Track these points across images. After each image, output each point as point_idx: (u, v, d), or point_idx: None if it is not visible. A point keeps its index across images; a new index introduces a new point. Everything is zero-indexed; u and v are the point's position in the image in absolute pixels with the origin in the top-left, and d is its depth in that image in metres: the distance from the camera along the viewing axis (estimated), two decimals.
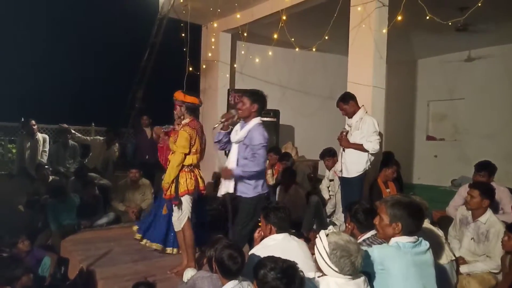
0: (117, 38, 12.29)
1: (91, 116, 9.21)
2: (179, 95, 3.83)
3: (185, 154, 3.77)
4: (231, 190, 3.64)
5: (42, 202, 5.76)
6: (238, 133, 3.68)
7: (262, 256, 2.41)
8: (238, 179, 3.61)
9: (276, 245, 2.88)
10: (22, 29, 11.80)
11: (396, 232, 2.46)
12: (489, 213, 3.64)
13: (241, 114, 3.66)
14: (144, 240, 4.57)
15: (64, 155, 7.32)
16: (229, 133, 3.79)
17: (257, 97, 3.67)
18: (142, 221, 4.95)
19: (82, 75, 12.86)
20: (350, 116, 4.60)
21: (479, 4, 3.95)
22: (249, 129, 3.60)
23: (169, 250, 4.51)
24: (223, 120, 3.75)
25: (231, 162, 3.69)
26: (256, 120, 3.65)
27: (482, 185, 3.82)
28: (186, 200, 3.83)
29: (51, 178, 6.45)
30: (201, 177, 3.96)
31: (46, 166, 6.70)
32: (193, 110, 3.93)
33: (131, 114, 8.10)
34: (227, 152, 3.96)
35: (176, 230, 4.02)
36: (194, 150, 3.82)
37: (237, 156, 3.67)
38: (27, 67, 12.08)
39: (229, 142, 3.81)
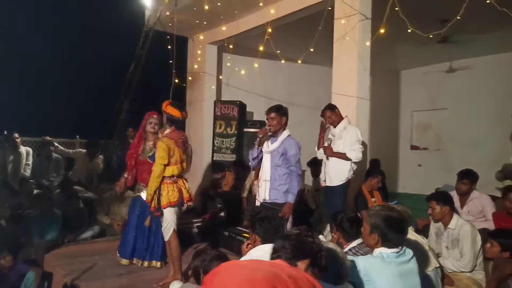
0: (103, 49, 12.23)
1: (75, 129, 9.14)
2: (163, 104, 3.91)
3: (165, 165, 3.78)
4: (268, 197, 3.98)
5: (26, 215, 5.66)
6: (270, 145, 4.03)
7: None
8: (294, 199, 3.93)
9: (263, 256, 2.86)
10: (3, 41, 11.66)
11: (374, 243, 2.49)
12: (456, 217, 3.72)
13: (274, 129, 3.99)
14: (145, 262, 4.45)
15: (47, 168, 7.22)
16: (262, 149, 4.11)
17: (284, 111, 4.04)
18: (122, 244, 4.57)
19: (67, 87, 12.73)
20: (335, 126, 4.67)
21: (458, 17, 4.05)
22: (282, 140, 3.96)
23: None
24: (260, 136, 4.01)
25: (265, 170, 4.03)
26: (286, 132, 4.02)
27: (435, 194, 3.95)
28: (170, 212, 3.83)
29: (35, 191, 6.33)
30: (186, 188, 3.96)
31: (31, 180, 6.59)
32: (173, 122, 3.95)
33: (116, 126, 8.03)
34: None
35: (165, 240, 3.98)
36: (173, 161, 3.83)
37: (270, 164, 4.00)
38: (10, 78, 11.93)
39: (262, 158, 4.13)
